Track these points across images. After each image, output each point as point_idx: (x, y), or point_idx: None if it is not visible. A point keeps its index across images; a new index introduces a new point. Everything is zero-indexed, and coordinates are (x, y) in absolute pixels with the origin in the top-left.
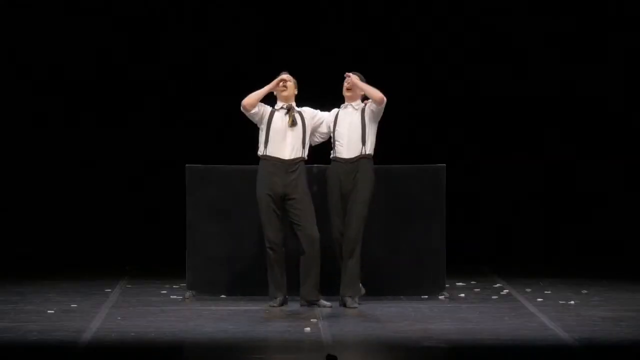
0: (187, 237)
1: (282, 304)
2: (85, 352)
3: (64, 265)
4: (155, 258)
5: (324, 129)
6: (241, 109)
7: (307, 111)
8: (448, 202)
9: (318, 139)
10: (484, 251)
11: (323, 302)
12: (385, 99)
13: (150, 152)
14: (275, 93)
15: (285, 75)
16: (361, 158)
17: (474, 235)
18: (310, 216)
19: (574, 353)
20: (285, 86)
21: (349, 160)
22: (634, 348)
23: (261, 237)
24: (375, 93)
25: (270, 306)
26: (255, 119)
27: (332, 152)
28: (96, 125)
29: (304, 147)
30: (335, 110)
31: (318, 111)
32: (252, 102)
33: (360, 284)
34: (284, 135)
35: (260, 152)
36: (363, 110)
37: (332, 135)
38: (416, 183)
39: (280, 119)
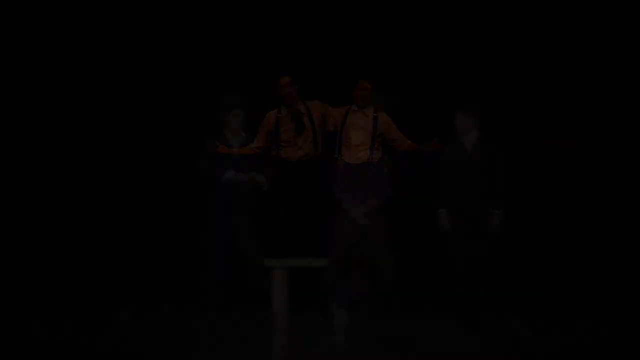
0: (188, 237)
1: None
2: (85, 352)
3: (65, 269)
4: (158, 259)
5: (330, 127)
6: None
7: (315, 104)
8: None
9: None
10: None
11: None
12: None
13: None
14: (281, 99)
15: (286, 88)
16: (367, 163)
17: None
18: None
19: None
20: (286, 94)
21: (355, 164)
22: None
23: None
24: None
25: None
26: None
27: (337, 152)
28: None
29: (315, 145)
30: (344, 107)
31: (327, 105)
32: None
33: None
34: (293, 140)
35: (274, 152)
36: (375, 119)
37: (338, 135)
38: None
39: (286, 124)
